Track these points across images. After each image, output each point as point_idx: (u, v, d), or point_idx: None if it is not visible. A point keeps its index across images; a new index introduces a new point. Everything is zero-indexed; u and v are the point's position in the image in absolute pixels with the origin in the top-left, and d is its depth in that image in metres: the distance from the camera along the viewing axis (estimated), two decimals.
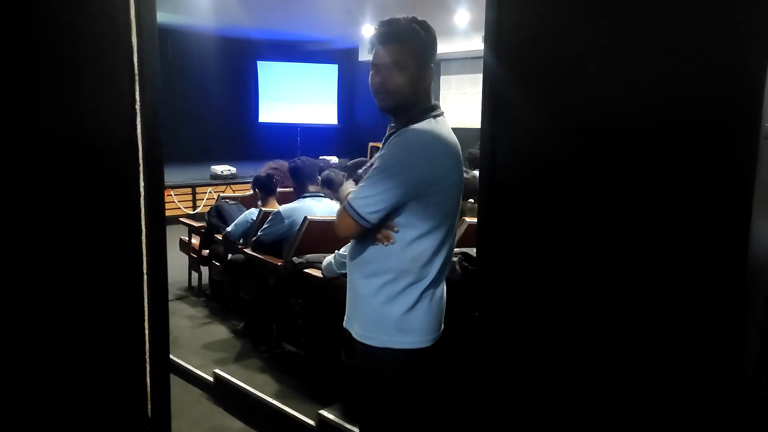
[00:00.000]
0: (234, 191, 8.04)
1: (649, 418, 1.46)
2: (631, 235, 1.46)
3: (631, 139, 1.46)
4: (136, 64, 1.65)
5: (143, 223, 1.69)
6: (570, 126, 1.54)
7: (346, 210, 1.64)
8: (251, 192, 4.67)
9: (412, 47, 1.60)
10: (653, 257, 1.43)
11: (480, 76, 1.79)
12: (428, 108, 1.69)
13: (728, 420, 1.35)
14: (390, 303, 1.69)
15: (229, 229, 4.18)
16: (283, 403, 2.92)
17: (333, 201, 4.03)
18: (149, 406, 1.79)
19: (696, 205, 1.37)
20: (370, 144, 11.50)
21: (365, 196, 1.59)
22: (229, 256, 4.19)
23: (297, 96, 11.44)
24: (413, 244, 1.68)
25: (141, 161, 1.67)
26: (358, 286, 1.76)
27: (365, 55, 11.05)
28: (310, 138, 11.14)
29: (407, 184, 1.61)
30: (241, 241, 4.10)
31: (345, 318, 1.87)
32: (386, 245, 1.66)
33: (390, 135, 1.72)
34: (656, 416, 1.45)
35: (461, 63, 10.34)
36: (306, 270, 3.18)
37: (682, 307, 1.40)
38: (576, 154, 1.54)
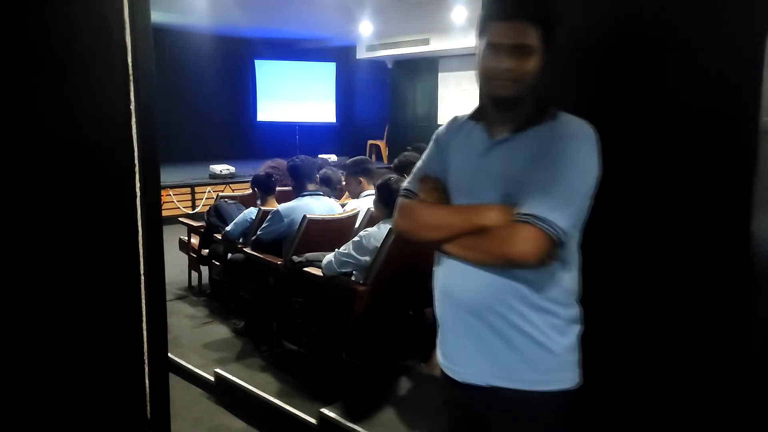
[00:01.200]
0: (233, 190, 8.03)
1: (654, 411, 1.45)
2: (635, 230, 1.45)
3: (629, 134, 1.45)
4: (130, 63, 1.64)
5: (139, 222, 1.68)
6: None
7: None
8: (250, 191, 4.65)
9: (547, 27, 1.26)
10: (656, 251, 1.42)
11: None
12: (547, 100, 1.32)
13: (734, 413, 1.34)
14: (562, 335, 1.30)
15: (228, 228, 4.16)
16: (284, 402, 2.91)
17: (332, 199, 4.02)
18: (148, 408, 1.78)
19: (697, 199, 1.36)
20: (369, 142, 11.51)
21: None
22: (229, 255, 4.18)
23: (295, 94, 11.42)
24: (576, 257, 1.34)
25: (136, 161, 1.66)
26: (515, 320, 1.28)
27: (363, 53, 11.05)
28: (309, 136, 11.13)
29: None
30: (240, 241, 4.09)
31: (464, 365, 1.36)
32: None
33: (493, 134, 1.33)
34: (660, 409, 1.44)
35: (460, 60, 10.33)
36: (306, 269, 3.17)
37: (686, 301, 1.39)
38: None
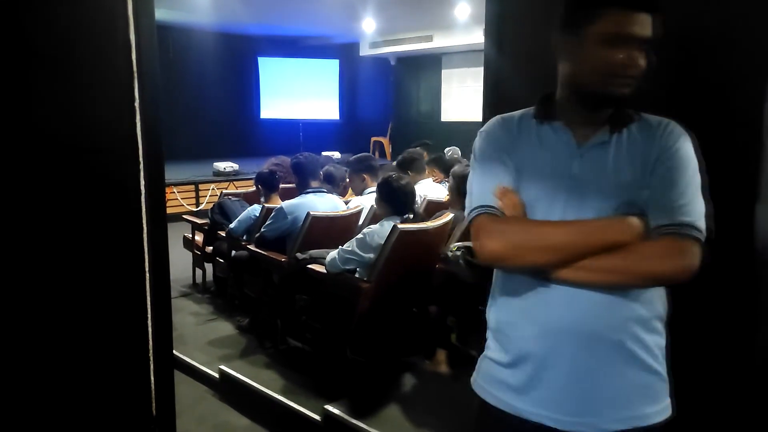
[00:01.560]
0: (237, 188, 8.03)
1: None
2: None
3: None
4: (134, 61, 1.64)
5: (144, 220, 1.69)
6: None
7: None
8: (254, 188, 4.66)
9: (662, 22, 1.10)
10: None
11: (482, 70, 1.78)
12: None
13: (739, 404, 1.34)
14: (664, 356, 1.18)
15: (232, 225, 4.17)
16: (288, 399, 2.92)
17: (335, 196, 4.02)
18: (153, 405, 1.79)
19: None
20: (372, 139, 11.50)
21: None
22: (233, 252, 4.19)
23: (298, 92, 11.42)
24: None
25: (141, 159, 1.67)
26: (632, 346, 1.12)
27: (366, 50, 11.04)
28: (313, 133, 11.13)
29: None
30: (244, 238, 4.09)
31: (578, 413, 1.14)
32: None
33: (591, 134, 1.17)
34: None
35: (463, 56, 10.31)
36: (310, 266, 3.18)
37: (691, 294, 1.38)
38: None
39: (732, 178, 1.30)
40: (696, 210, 1.08)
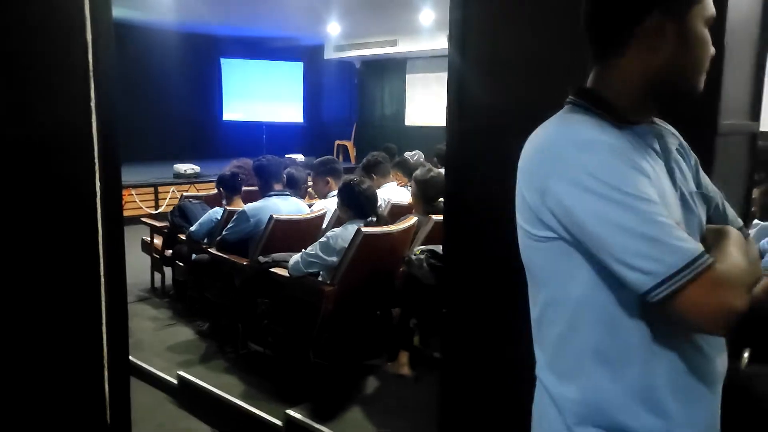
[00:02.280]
0: (198, 190, 7.90)
1: None
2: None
3: None
4: (90, 60, 1.60)
5: (99, 222, 1.64)
6: (534, 125, 1.55)
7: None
8: (215, 191, 4.59)
9: None
10: None
11: (446, 75, 1.79)
12: None
13: None
14: None
15: (192, 228, 4.10)
16: (249, 404, 2.88)
17: (299, 199, 3.99)
18: (108, 413, 1.74)
19: None
20: (337, 142, 11.47)
21: None
22: (193, 256, 4.11)
23: (262, 94, 11.31)
24: None
25: (96, 159, 1.62)
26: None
27: (331, 53, 11.01)
28: (276, 136, 11.03)
29: None
30: (205, 241, 4.03)
31: None
32: None
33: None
34: None
35: (427, 61, 10.38)
36: (272, 269, 3.15)
37: None
38: None
39: None
40: None
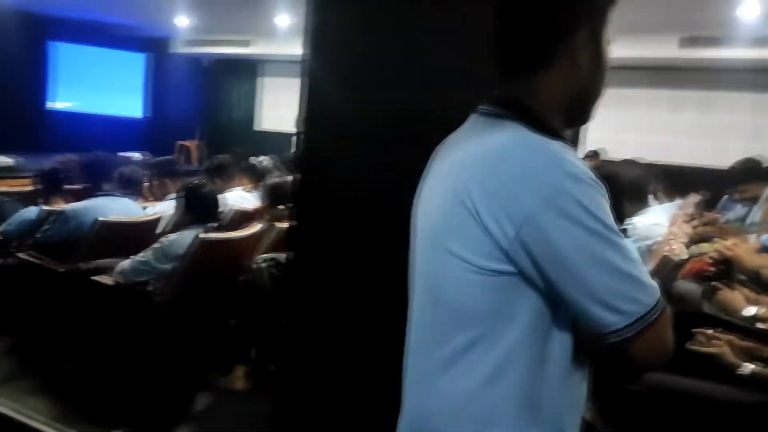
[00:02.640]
0: (12, 186, 6.98)
1: None
2: None
3: (430, 148, 1.50)
4: None
5: None
6: (386, 133, 1.55)
7: None
8: (34, 188, 4.08)
9: None
10: None
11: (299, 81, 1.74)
12: None
13: None
14: None
15: (0, 228, 3.59)
16: (61, 429, 2.56)
17: (131, 201, 3.67)
18: None
19: None
20: (179, 142, 10.83)
21: None
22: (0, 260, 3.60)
23: (96, 84, 10.36)
24: None
25: None
26: None
27: (177, 47, 10.43)
28: (111, 131, 10.14)
29: None
30: (14, 244, 3.55)
31: None
32: None
33: None
34: None
35: (281, 66, 10.25)
36: (95, 277, 2.85)
37: None
38: (393, 163, 1.55)
39: None
40: None
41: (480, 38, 1.43)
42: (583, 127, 1.80)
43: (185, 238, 2.74)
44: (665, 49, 6.83)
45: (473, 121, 0.97)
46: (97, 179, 3.55)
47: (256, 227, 3.04)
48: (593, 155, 7.00)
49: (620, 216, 2.30)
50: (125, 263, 2.80)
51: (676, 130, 7.62)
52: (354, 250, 1.61)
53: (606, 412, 1.65)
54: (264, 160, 6.42)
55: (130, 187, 4.06)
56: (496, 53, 0.96)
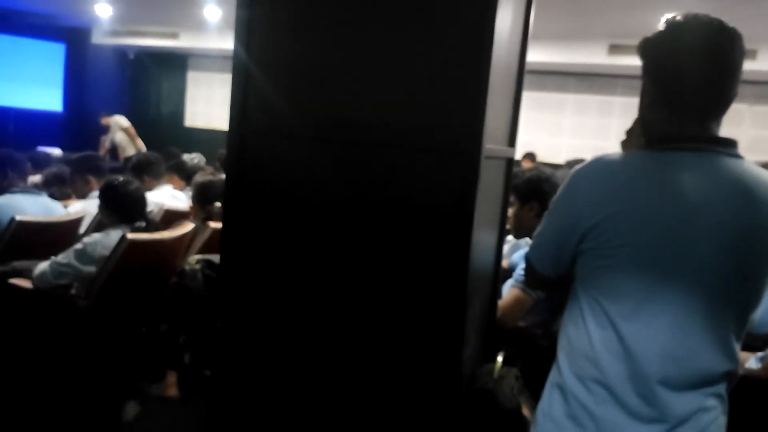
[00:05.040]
0: None
1: (379, 413, 1.52)
2: (368, 243, 1.50)
3: (369, 150, 1.50)
4: None
5: None
6: (319, 133, 1.53)
7: None
8: None
9: None
10: (386, 263, 1.49)
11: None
12: None
13: (450, 410, 1.46)
14: None
15: None
16: None
17: (50, 199, 3.46)
18: None
19: (423, 215, 1.46)
20: (102, 137, 10.33)
21: None
22: None
23: (11, 75, 9.71)
24: None
25: None
26: None
27: (100, 38, 9.93)
28: (28, 125, 9.55)
29: None
30: None
31: None
32: None
33: None
34: (384, 411, 1.51)
35: (212, 60, 9.97)
36: (11, 280, 2.67)
37: (409, 310, 1.48)
38: (327, 163, 1.54)
39: (455, 201, 1.43)
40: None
41: (415, 35, 1.44)
42: (516, 130, 1.86)
43: (110, 238, 2.61)
44: (595, 56, 7.11)
45: (712, 157, 1.10)
46: (7, 175, 3.32)
47: (187, 227, 2.94)
48: (529, 157, 7.23)
49: None
50: (44, 265, 2.64)
51: (606, 134, 7.96)
52: (288, 251, 1.58)
53: None
54: (194, 158, 6.23)
55: (56, 185, 3.85)
56: (706, 99, 1.12)
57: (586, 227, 1.09)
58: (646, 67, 1.17)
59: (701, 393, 1.08)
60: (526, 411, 1.47)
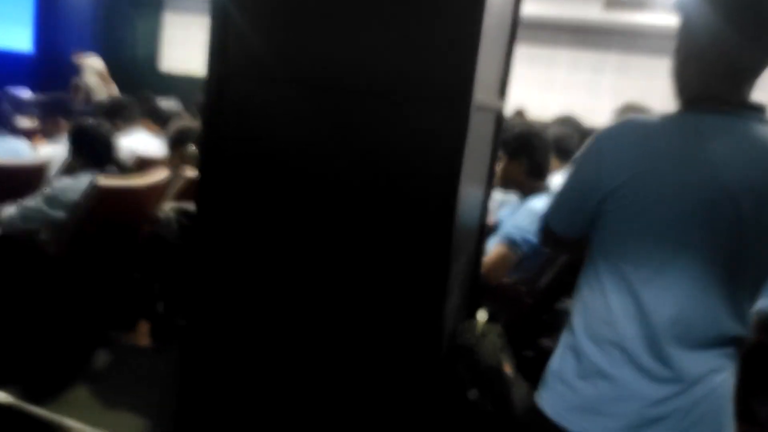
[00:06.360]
0: None
1: (357, 366, 1.49)
2: (351, 193, 1.44)
3: (354, 96, 1.42)
4: None
5: None
6: (304, 78, 1.45)
7: None
8: None
9: None
10: (370, 214, 1.43)
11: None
12: None
13: (431, 367, 1.44)
14: None
15: None
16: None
17: (19, 141, 3.32)
18: None
19: (410, 166, 1.40)
20: (74, 78, 9.96)
21: None
22: None
23: None
24: None
25: None
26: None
27: None
28: None
29: None
30: None
31: None
32: None
33: None
34: (363, 364, 1.49)
35: (190, 2, 9.59)
36: None
37: (393, 263, 1.43)
38: (310, 110, 1.46)
39: (438, 153, 1.37)
40: None
41: None
42: (508, 82, 1.79)
43: (81, 183, 2.51)
44: (590, 11, 6.93)
45: (741, 121, 1.07)
46: None
47: (161, 174, 2.84)
48: (518, 113, 7.14)
49: (543, 171, 2.34)
50: (12, 209, 2.53)
51: (597, 92, 7.83)
52: (266, 200, 1.52)
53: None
54: (170, 103, 6.03)
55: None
56: (740, 58, 1.07)
57: (610, 188, 1.08)
58: (680, 24, 1.13)
59: (714, 354, 1.09)
60: (507, 368, 1.45)
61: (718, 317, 1.07)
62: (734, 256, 1.05)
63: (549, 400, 1.17)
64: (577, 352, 1.14)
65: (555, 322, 2.27)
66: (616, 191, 1.07)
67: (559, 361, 1.18)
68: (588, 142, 1.14)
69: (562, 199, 1.21)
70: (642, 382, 1.08)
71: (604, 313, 1.10)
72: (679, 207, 1.04)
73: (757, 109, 1.08)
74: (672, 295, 1.06)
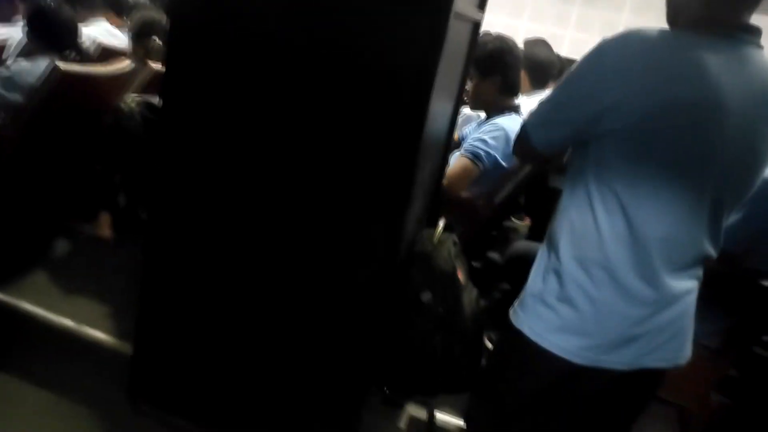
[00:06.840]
0: None
1: (317, 268, 1.53)
2: (320, 94, 1.42)
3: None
4: None
5: None
6: None
7: None
8: None
9: None
10: (338, 117, 1.42)
11: None
12: None
13: (389, 269, 1.49)
14: None
15: None
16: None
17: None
18: None
19: (382, 72, 1.38)
20: None
21: None
22: None
23: None
24: None
25: None
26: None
27: None
28: None
29: None
30: None
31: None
32: None
33: None
34: (322, 267, 1.53)
35: None
36: None
37: (358, 167, 1.44)
38: (277, 5, 1.40)
39: (412, 61, 1.35)
40: None
41: None
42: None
43: (39, 66, 2.39)
44: None
45: (741, 45, 1.07)
46: None
47: (124, 63, 2.73)
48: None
49: (515, 88, 2.32)
50: None
51: (564, 22, 7.73)
52: (232, 99, 1.48)
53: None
54: None
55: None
56: None
57: (608, 103, 1.03)
58: None
59: (690, 274, 1.13)
60: (460, 274, 1.51)
61: (700, 239, 1.09)
62: (723, 178, 1.06)
63: (528, 321, 1.18)
64: (559, 275, 1.13)
65: (501, 238, 2.36)
66: (616, 107, 1.03)
67: (541, 283, 1.17)
68: (589, 52, 1.07)
69: (548, 110, 1.16)
70: (624, 302, 1.09)
71: (592, 234, 1.09)
72: (681, 128, 1.02)
73: (755, 32, 1.06)
74: (663, 217, 1.06)
